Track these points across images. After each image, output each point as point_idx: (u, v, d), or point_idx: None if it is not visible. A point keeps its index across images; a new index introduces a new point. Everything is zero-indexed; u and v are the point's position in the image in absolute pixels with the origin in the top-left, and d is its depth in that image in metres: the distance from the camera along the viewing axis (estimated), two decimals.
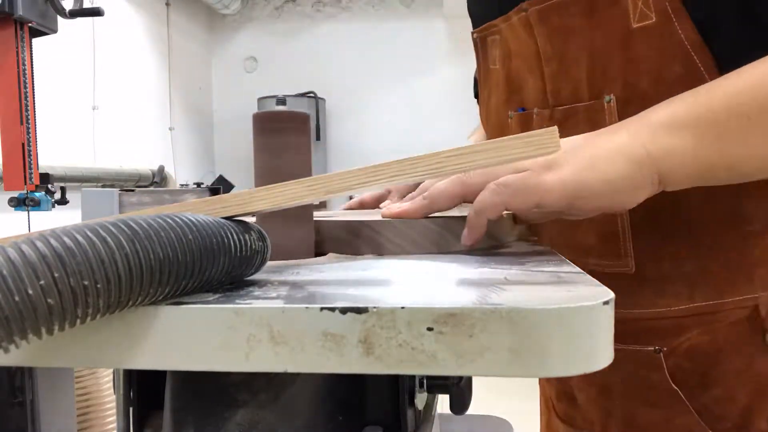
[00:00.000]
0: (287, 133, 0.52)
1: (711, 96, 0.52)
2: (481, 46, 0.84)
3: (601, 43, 0.66)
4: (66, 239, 0.26)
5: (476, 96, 0.99)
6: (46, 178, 1.86)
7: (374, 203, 0.85)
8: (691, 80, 0.59)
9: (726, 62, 0.58)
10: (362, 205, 0.86)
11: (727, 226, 0.63)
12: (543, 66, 0.73)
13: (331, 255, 0.54)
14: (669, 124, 0.52)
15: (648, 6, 0.62)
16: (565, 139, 0.49)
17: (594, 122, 0.66)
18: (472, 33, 0.85)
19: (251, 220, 0.44)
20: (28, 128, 1.76)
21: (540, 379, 0.87)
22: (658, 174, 0.51)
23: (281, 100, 0.54)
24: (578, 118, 0.69)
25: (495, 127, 0.84)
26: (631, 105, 0.64)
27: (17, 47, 1.74)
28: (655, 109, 0.53)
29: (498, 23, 0.79)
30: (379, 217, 0.55)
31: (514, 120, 0.79)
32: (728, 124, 0.51)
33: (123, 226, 0.28)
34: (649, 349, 0.67)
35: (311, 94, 5.26)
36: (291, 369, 0.30)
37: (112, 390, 0.85)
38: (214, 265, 0.33)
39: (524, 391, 3.45)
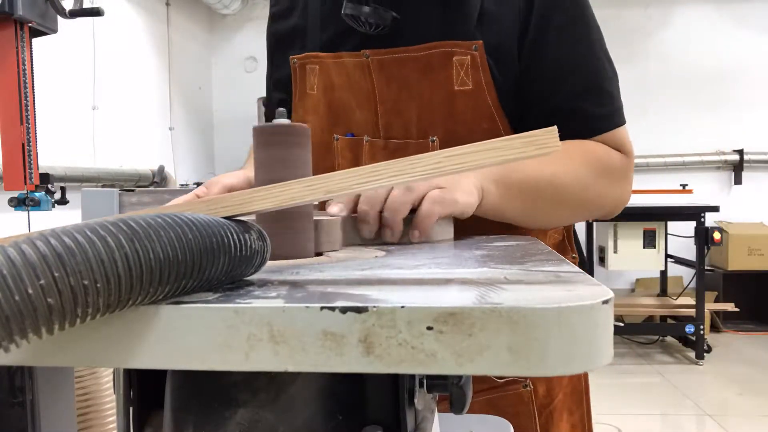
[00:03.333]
0: (288, 147, 0.53)
1: (523, 174, 0.78)
2: (299, 71, 0.97)
3: (429, 96, 0.86)
4: (66, 239, 0.26)
5: (275, 103, 1.10)
6: (46, 178, 1.86)
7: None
8: (494, 133, 0.84)
9: (516, 124, 0.85)
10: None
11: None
12: (377, 104, 0.90)
13: (330, 255, 0.54)
14: (493, 177, 0.76)
15: (468, 75, 0.84)
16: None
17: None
18: (291, 58, 0.98)
19: (251, 219, 0.44)
20: (28, 128, 1.76)
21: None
22: (480, 201, 0.73)
23: (282, 113, 0.54)
24: (408, 152, 0.87)
25: (318, 146, 0.94)
26: (449, 145, 0.83)
27: (17, 47, 1.74)
28: (496, 171, 0.76)
29: (323, 57, 0.94)
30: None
31: (341, 143, 0.95)
32: (520, 196, 0.79)
33: (123, 226, 0.28)
34: None
35: None
36: (291, 368, 0.30)
37: (112, 390, 0.85)
38: (214, 264, 0.33)
39: None
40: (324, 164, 0.96)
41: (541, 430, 0.90)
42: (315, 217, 0.56)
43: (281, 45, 1.02)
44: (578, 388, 0.99)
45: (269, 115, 1.15)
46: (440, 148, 0.85)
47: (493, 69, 0.84)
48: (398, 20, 0.87)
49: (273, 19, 1.06)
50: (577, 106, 0.85)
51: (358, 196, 0.66)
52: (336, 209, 0.65)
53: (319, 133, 0.96)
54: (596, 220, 4.13)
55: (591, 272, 4.03)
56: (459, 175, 0.69)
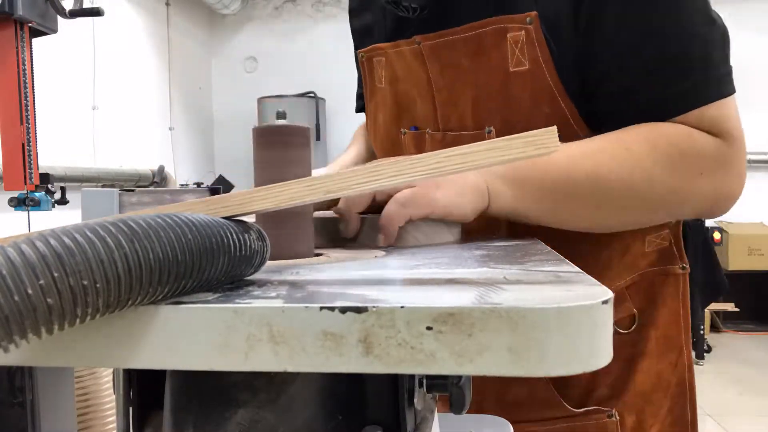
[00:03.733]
0: (288, 148, 0.53)
1: (543, 172, 0.69)
2: (367, 65, 0.94)
3: (484, 82, 0.78)
4: (65, 239, 0.26)
5: (360, 110, 1.09)
6: (46, 178, 1.86)
7: None
8: (557, 119, 0.70)
9: (583, 107, 0.74)
10: None
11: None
12: (434, 94, 0.84)
13: (330, 255, 0.54)
14: (503, 176, 0.68)
15: (523, 54, 0.74)
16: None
17: None
18: (358, 52, 0.95)
19: (251, 219, 0.44)
20: (28, 128, 1.76)
21: None
22: (488, 203, 0.67)
23: (281, 114, 0.54)
24: (463, 144, 0.76)
25: (386, 141, 0.94)
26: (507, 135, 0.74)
27: (17, 47, 1.74)
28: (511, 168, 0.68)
29: (385, 47, 0.90)
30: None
31: (408, 137, 0.90)
32: (543, 196, 0.70)
33: (122, 226, 0.28)
34: None
35: (311, 94, 5.25)
36: (290, 368, 0.30)
37: (111, 390, 0.85)
38: (213, 264, 0.33)
39: None
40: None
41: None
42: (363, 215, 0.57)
43: (357, 39, 1.00)
44: (682, 418, 0.84)
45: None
46: None
47: (551, 44, 0.72)
48: (438, 1, 0.79)
49: (350, 14, 1.04)
50: (648, 84, 0.71)
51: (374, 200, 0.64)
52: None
53: (388, 128, 0.93)
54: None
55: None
56: (459, 175, 0.62)
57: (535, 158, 0.71)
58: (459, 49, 0.79)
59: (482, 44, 0.76)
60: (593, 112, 0.74)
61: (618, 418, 0.80)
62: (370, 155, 1.08)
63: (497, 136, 0.74)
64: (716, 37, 0.71)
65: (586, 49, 0.72)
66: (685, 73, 0.70)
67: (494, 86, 0.77)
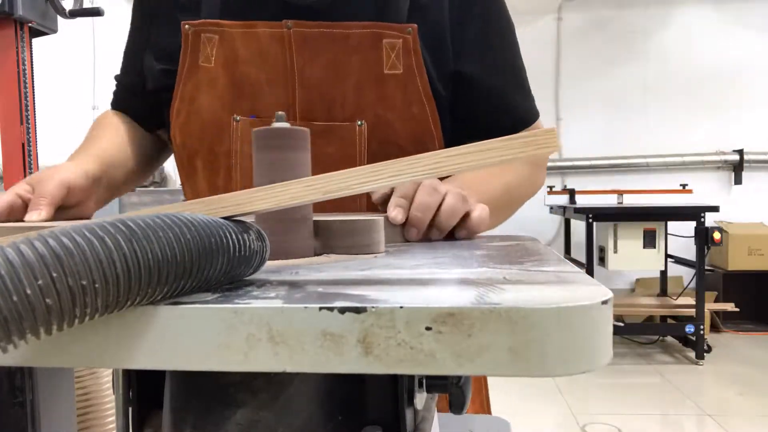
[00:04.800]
0: (287, 150, 0.53)
1: (494, 193, 0.83)
2: (192, 39, 0.85)
3: (358, 78, 0.83)
4: (64, 239, 0.26)
5: (122, 96, 1.00)
6: None
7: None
8: (422, 119, 0.85)
9: (444, 113, 0.87)
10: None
11: None
12: (296, 82, 0.84)
13: (330, 255, 0.54)
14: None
15: (398, 59, 0.83)
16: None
17: (346, 140, 0.84)
18: (184, 24, 0.85)
19: (250, 219, 0.44)
20: (28, 128, 1.76)
21: None
22: None
23: (280, 117, 0.54)
24: (333, 135, 0.84)
25: (209, 127, 0.87)
26: (377, 129, 0.84)
27: (17, 47, 1.74)
28: (470, 189, 0.75)
29: (226, 24, 0.84)
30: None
31: (242, 124, 0.85)
32: (493, 215, 0.75)
33: (121, 226, 0.28)
34: None
35: None
36: (290, 369, 0.30)
37: (112, 390, 0.85)
38: (212, 264, 0.33)
39: (523, 391, 3.45)
40: (219, 147, 0.87)
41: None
42: (362, 217, 0.57)
43: (167, 9, 0.90)
44: (477, 377, 0.99)
45: (124, 97, 1.01)
46: (368, 132, 0.84)
47: (425, 54, 0.83)
48: None
49: None
50: (509, 101, 0.91)
51: (411, 199, 0.65)
52: (399, 216, 0.63)
53: (215, 112, 0.86)
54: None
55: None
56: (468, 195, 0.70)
57: (482, 186, 0.80)
58: (336, 42, 0.83)
59: (360, 43, 0.83)
60: (458, 120, 0.89)
61: None
62: (120, 150, 0.95)
63: (368, 130, 0.83)
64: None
65: (456, 68, 0.86)
66: (527, 97, 0.94)
67: (368, 83, 0.83)
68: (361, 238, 0.54)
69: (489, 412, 1.02)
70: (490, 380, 1.03)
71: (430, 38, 0.84)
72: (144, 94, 0.95)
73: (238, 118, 0.85)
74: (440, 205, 0.64)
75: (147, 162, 1.01)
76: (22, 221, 0.71)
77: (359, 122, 0.84)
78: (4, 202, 0.71)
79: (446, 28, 0.86)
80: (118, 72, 1.03)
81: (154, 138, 1.02)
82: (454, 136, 0.91)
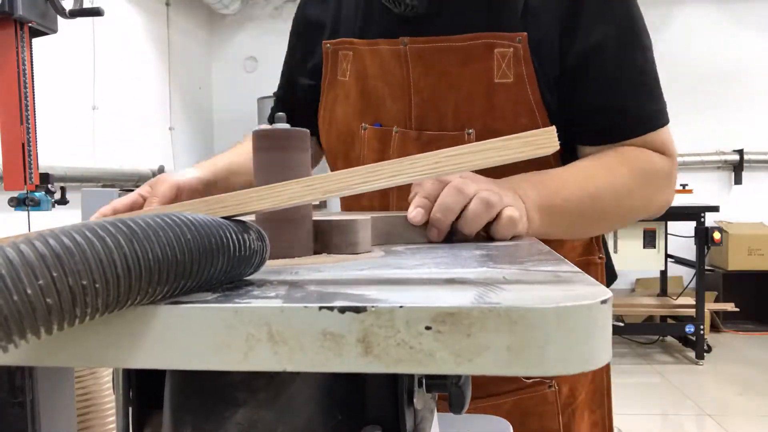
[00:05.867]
0: (288, 151, 0.53)
1: (565, 200, 0.77)
2: (331, 56, 0.96)
3: (468, 88, 0.85)
4: (64, 239, 0.26)
5: (280, 109, 1.06)
6: (46, 178, 1.86)
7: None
8: (532, 128, 0.81)
9: (554, 119, 0.83)
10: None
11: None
12: (412, 94, 0.88)
13: (330, 255, 0.54)
14: (541, 207, 0.73)
15: (509, 68, 0.83)
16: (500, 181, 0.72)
17: None
18: (325, 43, 0.96)
19: (250, 219, 0.44)
20: (28, 128, 1.76)
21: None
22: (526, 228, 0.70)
23: (281, 117, 0.54)
24: (443, 144, 0.85)
25: (343, 134, 0.97)
26: (486, 138, 0.82)
27: (17, 47, 1.74)
28: (534, 188, 0.74)
29: (357, 42, 0.92)
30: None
31: (369, 132, 0.93)
32: (563, 220, 0.78)
33: (121, 226, 0.28)
34: None
35: None
36: (290, 368, 0.30)
37: (112, 390, 0.85)
38: (212, 264, 0.33)
39: None
40: (352, 153, 0.95)
41: (564, 428, 0.91)
42: (346, 218, 0.57)
43: (314, 30, 1.00)
44: (600, 386, 0.99)
45: (282, 108, 1.09)
46: (476, 141, 0.88)
47: (535, 63, 0.82)
48: (437, 4, 0.85)
49: (306, 3, 1.05)
50: (625, 105, 0.85)
51: (434, 200, 0.63)
52: (418, 218, 0.63)
53: (349, 122, 0.95)
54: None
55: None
56: (513, 198, 0.68)
57: (560, 187, 0.76)
58: (447, 55, 0.85)
59: (471, 54, 0.84)
60: (569, 129, 0.86)
61: (557, 388, 0.90)
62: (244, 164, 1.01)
63: (476, 138, 0.84)
64: (658, 78, 0.88)
65: (568, 71, 0.84)
66: (649, 101, 0.86)
67: (478, 93, 0.84)
68: (344, 237, 0.54)
69: (610, 426, 1.00)
70: None
71: (540, 45, 0.83)
72: (295, 107, 1.03)
73: (365, 126, 0.93)
74: (465, 207, 0.63)
75: None
76: None
77: (468, 131, 0.86)
78: (128, 200, 0.80)
79: (557, 31, 0.84)
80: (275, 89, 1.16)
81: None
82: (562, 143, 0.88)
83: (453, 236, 0.64)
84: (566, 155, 0.87)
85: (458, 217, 0.63)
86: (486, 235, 0.65)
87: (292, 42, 1.08)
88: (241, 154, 1.02)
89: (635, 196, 0.85)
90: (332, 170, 1.00)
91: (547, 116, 0.84)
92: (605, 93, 0.84)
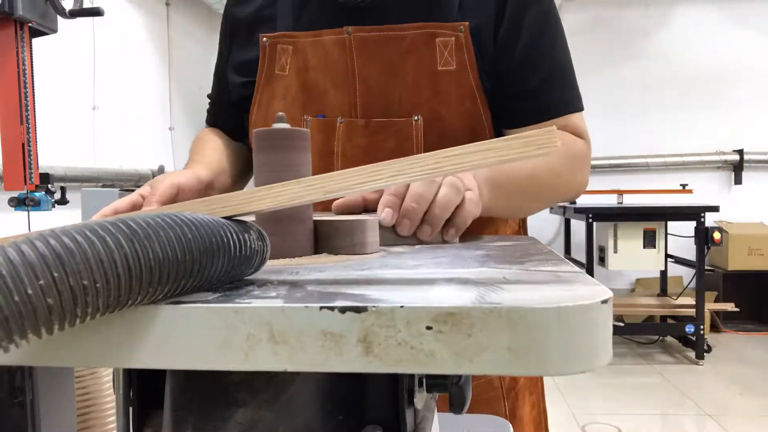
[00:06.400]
0: (288, 151, 0.53)
1: (509, 176, 0.82)
2: (269, 51, 0.96)
3: (414, 76, 0.89)
4: (65, 239, 0.26)
5: (215, 114, 1.11)
6: (46, 178, 1.86)
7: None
8: (474, 114, 0.89)
9: (491, 104, 0.90)
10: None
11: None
12: (357, 83, 0.91)
13: (330, 255, 0.54)
14: (487, 180, 0.77)
15: (451, 56, 0.88)
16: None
17: (403, 134, 0.90)
18: (262, 37, 0.96)
19: (251, 219, 0.44)
20: (28, 128, 1.76)
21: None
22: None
23: (281, 118, 0.54)
24: (391, 130, 0.90)
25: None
26: (433, 124, 0.89)
27: (17, 47, 1.74)
28: (486, 170, 0.79)
29: (297, 35, 0.94)
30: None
31: (313, 124, 0.94)
32: (506, 195, 0.82)
33: (122, 226, 0.28)
34: None
35: None
36: (290, 368, 0.30)
37: (112, 390, 0.85)
38: (213, 264, 0.33)
39: None
40: None
41: (509, 412, 0.96)
42: (359, 217, 0.56)
43: (245, 27, 1.00)
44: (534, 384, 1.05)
45: (216, 112, 1.12)
46: (423, 127, 0.89)
47: (475, 50, 0.88)
48: None
49: (235, 0, 1.04)
50: (545, 89, 0.91)
51: (403, 196, 0.63)
52: (389, 218, 0.62)
53: (291, 116, 0.94)
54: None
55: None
56: (462, 175, 0.69)
57: (503, 165, 0.74)
58: (391, 44, 0.89)
59: (414, 43, 0.88)
60: (497, 111, 0.92)
61: None
62: (221, 165, 1.02)
63: (424, 124, 0.89)
64: (573, 64, 0.95)
65: (499, 58, 0.89)
66: (568, 88, 0.93)
67: (423, 81, 0.89)
68: (347, 238, 0.54)
69: (544, 405, 1.05)
70: None
71: (477, 33, 0.88)
72: (230, 106, 1.05)
73: (308, 118, 0.93)
74: (435, 195, 0.63)
75: (245, 169, 1.10)
76: None
77: (415, 117, 0.89)
78: (128, 201, 0.80)
79: (491, 20, 0.89)
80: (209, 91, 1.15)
81: (245, 147, 1.11)
82: (496, 128, 0.94)
83: (420, 230, 0.63)
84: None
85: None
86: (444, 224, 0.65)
87: (222, 41, 1.07)
88: (218, 154, 1.03)
89: (564, 176, 0.92)
90: None
91: (486, 101, 0.90)
92: (525, 78, 0.91)
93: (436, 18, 0.88)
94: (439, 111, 0.89)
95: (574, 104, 0.94)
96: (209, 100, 1.15)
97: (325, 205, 0.88)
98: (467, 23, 0.87)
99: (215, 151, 1.04)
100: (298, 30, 0.94)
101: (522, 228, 1.06)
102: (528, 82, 0.91)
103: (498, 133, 0.94)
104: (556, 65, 0.93)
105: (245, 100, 0.99)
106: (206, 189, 0.91)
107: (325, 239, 0.55)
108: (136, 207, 0.80)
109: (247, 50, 0.99)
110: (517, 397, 0.98)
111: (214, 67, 1.11)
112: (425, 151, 0.88)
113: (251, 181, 1.00)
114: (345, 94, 0.92)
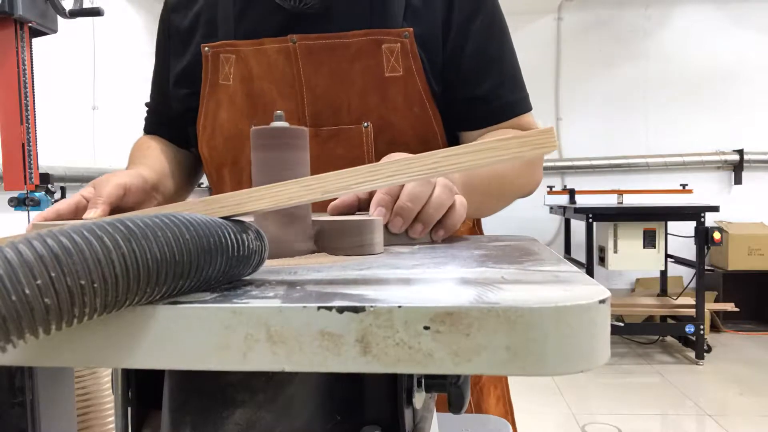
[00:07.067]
0: (286, 150, 0.53)
1: (481, 178, 0.82)
2: (212, 60, 0.93)
3: (362, 84, 0.88)
4: (62, 239, 0.26)
5: (154, 124, 1.08)
6: (46, 178, 1.87)
7: None
8: (424, 119, 0.89)
9: (441, 109, 0.91)
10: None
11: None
12: (304, 91, 0.90)
13: (329, 255, 0.54)
14: (464, 184, 0.76)
15: (398, 62, 0.87)
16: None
17: (353, 142, 0.90)
18: (203, 46, 0.93)
19: (249, 219, 0.44)
20: (28, 128, 1.76)
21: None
22: None
23: (279, 116, 0.54)
24: (341, 138, 0.90)
25: (232, 138, 0.94)
26: (382, 130, 0.89)
27: (17, 47, 1.74)
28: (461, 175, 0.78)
29: (239, 44, 0.92)
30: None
31: None
32: (477, 197, 0.80)
33: (119, 226, 0.28)
34: None
35: None
36: (288, 368, 0.30)
37: (111, 390, 0.85)
38: (211, 264, 0.33)
39: (523, 391, 3.44)
40: (242, 158, 0.93)
41: (475, 406, 0.97)
42: (366, 217, 0.56)
43: (184, 35, 0.98)
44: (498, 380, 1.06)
45: (155, 122, 1.08)
46: (374, 133, 0.88)
47: (422, 55, 0.88)
48: (325, 0, 0.88)
49: (172, 8, 1.01)
50: (498, 93, 0.93)
51: (397, 196, 0.63)
52: (381, 217, 0.61)
53: (235, 125, 0.93)
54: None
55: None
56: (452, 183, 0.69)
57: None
58: (337, 51, 0.88)
59: (360, 50, 0.88)
60: (449, 115, 0.92)
61: None
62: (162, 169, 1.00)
63: (374, 131, 0.89)
64: (519, 66, 0.97)
65: (449, 64, 0.90)
66: (518, 89, 0.95)
67: (371, 87, 0.88)
68: (355, 238, 0.54)
69: (509, 397, 1.06)
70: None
71: (424, 39, 0.88)
72: (171, 117, 1.02)
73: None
74: (430, 195, 0.63)
75: (189, 175, 1.09)
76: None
77: (365, 124, 0.89)
78: (71, 202, 0.77)
79: (438, 27, 0.89)
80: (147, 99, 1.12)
81: (190, 154, 1.09)
82: (447, 131, 0.94)
83: (412, 228, 0.63)
84: (452, 141, 0.95)
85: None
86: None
87: (160, 50, 1.04)
88: (160, 159, 1.00)
89: (523, 176, 0.93)
90: (215, 181, 1.00)
91: (436, 106, 0.90)
92: (476, 84, 0.92)
93: (381, 24, 0.88)
94: (389, 117, 0.88)
95: (524, 105, 0.96)
96: (146, 109, 1.12)
97: (320, 206, 0.88)
98: (411, 29, 0.87)
99: (157, 156, 1.01)
100: (240, 38, 0.92)
101: (477, 226, 1.07)
102: (479, 88, 0.92)
103: (450, 137, 0.95)
104: (506, 69, 0.94)
105: (188, 113, 0.97)
106: (152, 190, 0.89)
107: (332, 239, 0.55)
108: (79, 209, 0.77)
109: (188, 58, 0.97)
110: (482, 391, 0.99)
111: (152, 75, 1.08)
112: (377, 158, 0.88)
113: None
114: (293, 103, 0.90)
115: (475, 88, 0.92)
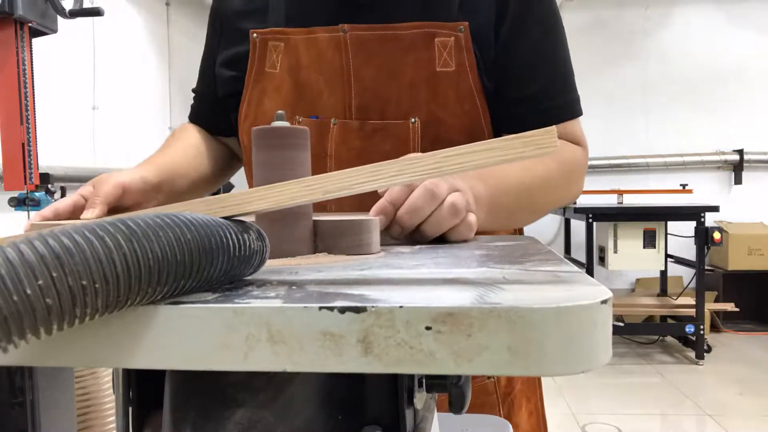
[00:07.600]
0: (287, 149, 0.53)
1: (505, 193, 0.79)
2: (260, 47, 0.92)
3: (411, 77, 0.86)
4: (64, 239, 0.26)
5: (198, 102, 1.07)
6: (46, 178, 1.87)
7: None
8: (473, 117, 0.87)
9: (491, 107, 0.88)
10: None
11: None
12: (352, 83, 0.87)
13: (330, 255, 0.54)
14: (488, 207, 0.73)
15: (450, 57, 0.85)
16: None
17: (400, 137, 0.87)
18: (252, 32, 0.91)
19: (250, 219, 0.44)
20: (28, 128, 1.76)
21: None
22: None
23: (280, 116, 0.54)
24: (387, 132, 0.87)
25: None
26: (430, 126, 0.87)
27: (17, 47, 1.74)
28: (483, 184, 0.75)
29: (290, 32, 0.90)
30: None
31: (304, 124, 0.89)
32: (504, 216, 0.80)
33: (121, 226, 0.28)
34: None
35: None
36: (290, 368, 0.30)
37: (111, 390, 0.85)
38: (212, 264, 0.33)
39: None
40: None
41: (504, 417, 0.92)
42: (364, 217, 0.56)
43: (236, 20, 0.96)
44: (532, 377, 1.02)
45: (199, 107, 1.07)
46: (421, 129, 0.86)
47: (475, 50, 0.85)
48: None
49: None
50: (549, 94, 0.89)
51: (400, 205, 0.61)
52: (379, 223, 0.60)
53: (273, 116, 0.92)
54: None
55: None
56: (474, 200, 0.68)
57: (501, 182, 0.77)
58: (389, 43, 0.86)
59: (413, 43, 0.85)
60: (497, 115, 0.89)
61: (495, 378, 0.92)
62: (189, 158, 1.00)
63: (421, 127, 0.86)
64: (573, 67, 0.93)
65: (499, 61, 0.87)
66: (570, 89, 0.91)
67: (421, 82, 0.86)
68: (351, 238, 0.54)
69: (543, 411, 1.03)
70: None
71: (478, 33, 0.86)
72: (216, 102, 1.01)
73: (300, 119, 0.89)
74: (430, 214, 0.62)
75: (219, 171, 1.07)
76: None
77: (412, 120, 0.86)
78: (69, 201, 0.76)
79: (492, 20, 0.87)
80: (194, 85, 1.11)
81: (225, 149, 1.08)
82: (494, 128, 0.92)
83: (413, 234, 0.63)
84: None
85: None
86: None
87: (210, 35, 1.03)
88: (182, 154, 0.99)
89: (561, 188, 0.90)
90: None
91: (486, 103, 0.87)
92: (528, 82, 0.88)
93: (435, 16, 0.85)
94: (437, 113, 0.86)
95: (575, 109, 0.92)
96: (193, 95, 1.11)
97: (322, 206, 0.87)
98: (467, 23, 0.85)
99: (176, 152, 0.99)
100: (291, 26, 0.90)
101: (518, 230, 1.05)
102: (530, 86, 0.88)
103: (497, 136, 0.90)
104: (559, 68, 0.91)
105: (232, 97, 0.96)
106: (152, 191, 0.88)
107: (330, 239, 0.55)
108: (77, 208, 0.76)
109: (236, 44, 0.95)
110: (513, 403, 0.95)
111: (201, 61, 1.07)
112: None
113: (246, 181, 0.99)
114: (339, 95, 0.88)
115: (525, 86, 0.88)
